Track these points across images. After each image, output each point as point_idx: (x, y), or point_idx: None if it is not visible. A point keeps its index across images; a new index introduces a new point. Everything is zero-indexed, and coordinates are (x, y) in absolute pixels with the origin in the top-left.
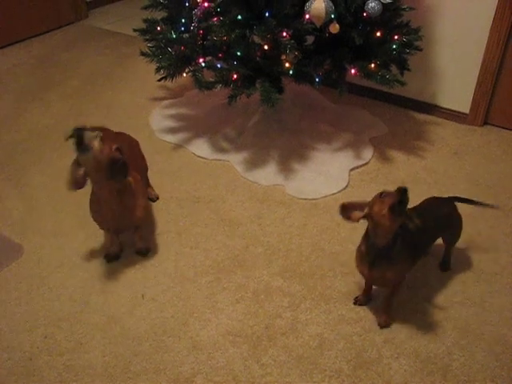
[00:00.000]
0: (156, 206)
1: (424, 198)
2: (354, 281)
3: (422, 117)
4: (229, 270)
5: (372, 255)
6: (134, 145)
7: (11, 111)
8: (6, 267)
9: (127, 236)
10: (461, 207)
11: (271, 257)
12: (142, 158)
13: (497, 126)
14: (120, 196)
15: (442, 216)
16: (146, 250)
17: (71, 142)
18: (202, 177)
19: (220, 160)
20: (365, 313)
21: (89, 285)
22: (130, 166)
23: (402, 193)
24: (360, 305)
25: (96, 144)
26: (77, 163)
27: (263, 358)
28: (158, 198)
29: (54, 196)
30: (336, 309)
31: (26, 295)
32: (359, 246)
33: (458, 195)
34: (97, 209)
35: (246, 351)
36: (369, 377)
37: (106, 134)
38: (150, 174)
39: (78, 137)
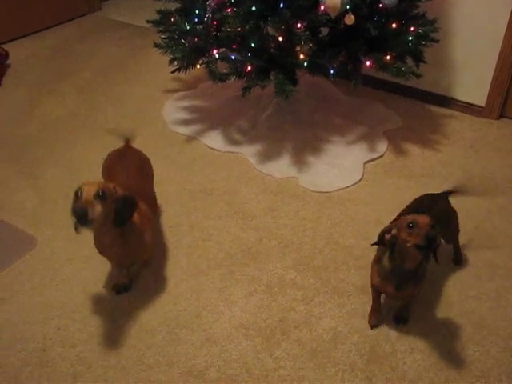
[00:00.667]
0: (168, 199)
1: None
2: (368, 274)
3: (437, 110)
4: (242, 262)
5: (398, 277)
6: (144, 165)
7: (25, 103)
8: (19, 259)
9: None
10: (476, 202)
11: (285, 249)
12: (151, 177)
13: None
14: (124, 238)
15: (438, 214)
16: (124, 288)
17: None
18: (215, 169)
19: (233, 152)
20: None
21: (101, 277)
22: (137, 193)
23: (431, 239)
24: (375, 326)
25: (98, 210)
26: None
27: (276, 351)
28: None
29: (67, 188)
30: (350, 302)
31: (39, 287)
32: (380, 261)
33: (449, 189)
34: (100, 248)
35: (259, 344)
36: (382, 371)
37: (109, 158)
38: (163, 165)
39: (82, 218)
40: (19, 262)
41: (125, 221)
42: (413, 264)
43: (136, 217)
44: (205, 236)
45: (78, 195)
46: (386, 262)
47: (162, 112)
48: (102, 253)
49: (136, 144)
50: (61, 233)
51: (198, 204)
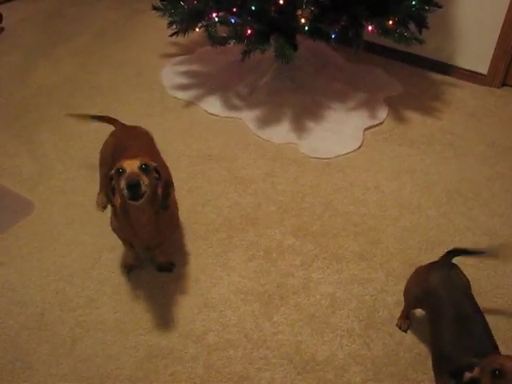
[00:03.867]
0: (168, 164)
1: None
2: (367, 240)
3: (438, 77)
4: (241, 228)
5: None
6: (150, 142)
7: (20, 67)
8: (17, 223)
9: None
10: (477, 170)
11: (283, 215)
12: (160, 157)
13: None
14: (158, 217)
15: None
16: (170, 265)
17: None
18: (213, 134)
19: (232, 117)
20: (377, 274)
21: (100, 241)
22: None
23: None
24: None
25: (146, 182)
26: (111, 192)
27: (275, 316)
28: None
29: (64, 153)
30: (348, 269)
31: (37, 251)
32: None
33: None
34: (125, 229)
35: (257, 309)
36: (380, 337)
37: (117, 136)
38: (161, 131)
39: (135, 191)
40: (16, 227)
41: (167, 202)
42: None
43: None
44: (203, 201)
45: (120, 171)
46: None
47: (160, 77)
48: (128, 234)
49: (134, 109)
50: (58, 197)
51: (196, 169)
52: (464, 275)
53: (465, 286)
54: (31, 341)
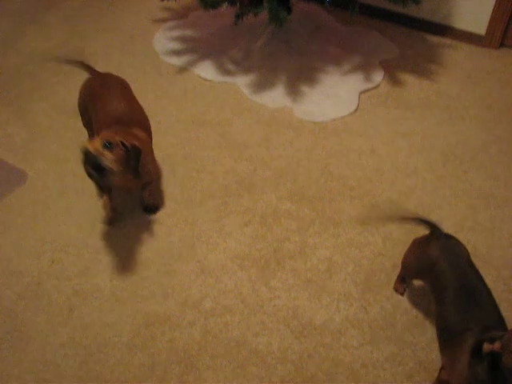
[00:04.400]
0: (161, 130)
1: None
2: (363, 204)
3: (434, 39)
4: (236, 193)
5: None
6: (126, 89)
7: (9, 34)
8: (11, 193)
9: None
10: (473, 132)
11: (279, 180)
12: (136, 103)
13: None
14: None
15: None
16: (156, 208)
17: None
18: (207, 100)
19: (226, 82)
20: (374, 238)
21: (94, 210)
22: (128, 120)
23: None
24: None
25: (108, 158)
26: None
27: (271, 281)
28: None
29: (57, 122)
30: (345, 232)
31: (31, 221)
32: (474, 369)
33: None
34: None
35: (254, 275)
36: (377, 300)
37: (91, 86)
38: (154, 97)
39: (96, 167)
40: (10, 197)
41: (138, 171)
42: None
43: (137, 143)
44: (198, 167)
45: (84, 153)
46: (480, 370)
47: (152, 42)
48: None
49: (127, 75)
50: (52, 167)
51: (191, 135)
52: (462, 244)
53: (465, 256)
54: (28, 310)
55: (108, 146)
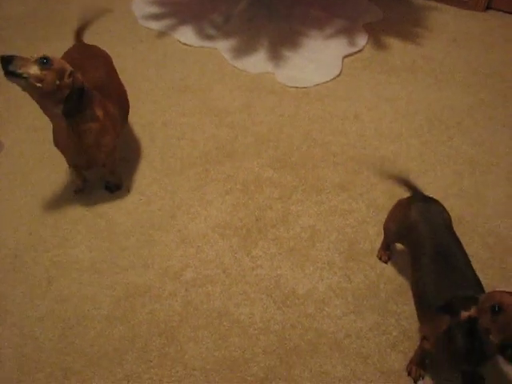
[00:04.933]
0: (140, 96)
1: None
2: (347, 171)
3: (420, 2)
4: (217, 160)
5: (477, 358)
6: (108, 63)
7: None
8: None
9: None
10: (459, 97)
11: (261, 147)
12: (116, 78)
13: (501, 11)
14: (78, 132)
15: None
16: (116, 187)
17: None
18: (188, 65)
19: (207, 47)
20: (357, 205)
21: (72, 180)
22: (103, 91)
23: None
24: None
25: (32, 70)
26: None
27: (253, 250)
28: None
29: None
30: (328, 200)
31: (8, 192)
32: (451, 338)
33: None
34: (55, 142)
35: (235, 244)
36: (361, 269)
37: (73, 52)
38: (133, 62)
39: (3, 64)
40: None
41: (71, 112)
42: (494, 351)
43: (100, 115)
44: (178, 134)
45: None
46: (460, 341)
47: (131, 6)
48: (57, 146)
49: (105, 40)
50: (28, 136)
51: (171, 101)
52: (445, 209)
53: (446, 221)
54: (6, 283)
55: (44, 62)
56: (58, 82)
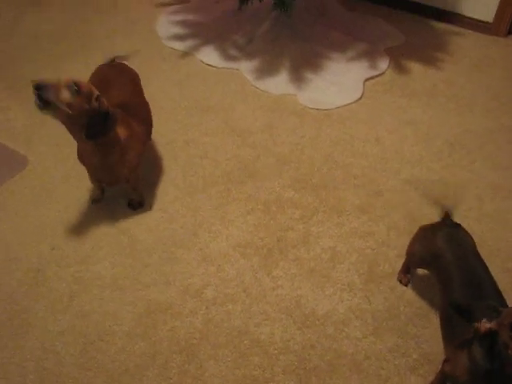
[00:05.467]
0: (163, 115)
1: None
2: (367, 193)
3: (441, 26)
4: (239, 180)
5: (496, 381)
6: (135, 81)
7: (9, 15)
8: (11, 179)
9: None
10: (480, 122)
11: (282, 167)
12: (142, 97)
13: None
14: (103, 151)
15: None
16: (139, 204)
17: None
18: (210, 85)
19: (229, 68)
20: (378, 227)
21: (92, 189)
22: (128, 110)
23: None
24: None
25: (64, 97)
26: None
27: (274, 270)
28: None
29: None
30: (349, 222)
31: (32, 207)
32: (471, 353)
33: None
34: (80, 157)
35: (256, 263)
36: (381, 291)
37: (101, 72)
38: (157, 81)
39: (37, 92)
40: (11, 182)
41: (94, 135)
42: None
43: (124, 134)
44: (201, 153)
45: (37, 84)
46: (479, 357)
47: (155, 26)
48: (82, 161)
49: (129, 59)
50: (52, 152)
51: (193, 121)
52: (469, 234)
53: (471, 246)
54: (28, 297)
55: (74, 88)
56: (86, 107)
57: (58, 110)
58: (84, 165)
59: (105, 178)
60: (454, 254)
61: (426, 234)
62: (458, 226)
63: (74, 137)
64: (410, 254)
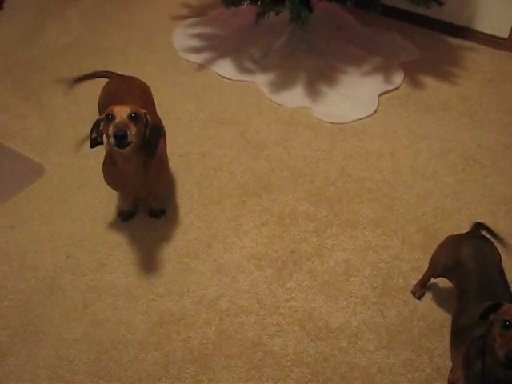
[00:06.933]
0: (179, 128)
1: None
2: (382, 207)
3: (456, 42)
4: (254, 192)
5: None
6: (146, 93)
7: (27, 27)
8: (28, 187)
9: None
10: (494, 137)
11: (297, 180)
12: (153, 107)
13: None
14: (146, 167)
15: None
16: (161, 212)
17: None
18: (226, 98)
19: (245, 81)
20: (392, 241)
21: (111, 205)
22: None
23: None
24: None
25: (134, 132)
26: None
27: (288, 282)
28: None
29: (74, 117)
30: (363, 235)
31: (47, 215)
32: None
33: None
34: (113, 177)
35: (270, 275)
36: (394, 304)
37: (112, 85)
38: (173, 94)
39: (120, 140)
40: (27, 191)
41: (155, 150)
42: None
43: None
44: (216, 165)
45: (109, 117)
46: (476, 363)
47: (171, 39)
48: (115, 183)
49: (146, 71)
50: (69, 161)
51: (209, 133)
52: (496, 249)
53: (496, 260)
54: (43, 305)
55: (134, 116)
56: (143, 129)
57: (132, 146)
58: (120, 187)
59: (143, 192)
60: (476, 263)
61: (452, 242)
62: (486, 238)
63: (124, 162)
64: (434, 261)
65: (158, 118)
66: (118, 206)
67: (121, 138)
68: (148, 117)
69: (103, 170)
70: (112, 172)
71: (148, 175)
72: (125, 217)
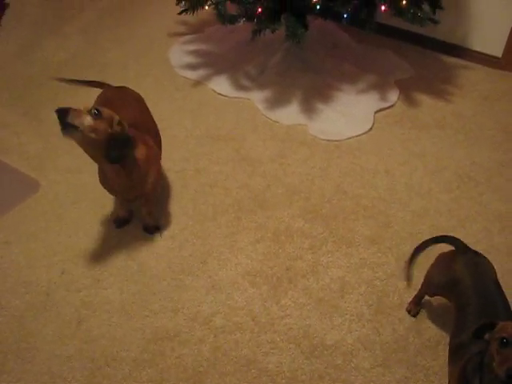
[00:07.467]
0: (175, 144)
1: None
2: (377, 224)
3: (451, 60)
4: (249, 209)
5: None
6: (140, 101)
7: (26, 43)
8: (23, 202)
9: None
10: (488, 155)
11: (292, 197)
12: (149, 114)
13: None
14: (127, 170)
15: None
16: (155, 228)
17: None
18: (222, 114)
19: (241, 98)
20: (387, 258)
21: (106, 221)
22: (140, 128)
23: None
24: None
25: (86, 121)
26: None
27: (283, 299)
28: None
29: None
30: (358, 252)
31: (42, 231)
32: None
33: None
34: (103, 179)
35: (265, 292)
36: (390, 322)
37: (106, 95)
38: (169, 110)
39: (60, 117)
40: (23, 206)
41: (117, 158)
42: None
43: (143, 150)
44: (211, 182)
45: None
46: (470, 370)
47: (168, 55)
48: (105, 184)
49: (142, 87)
50: (64, 177)
51: (204, 149)
52: (490, 263)
53: (492, 275)
54: (36, 321)
55: (96, 113)
56: (109, 131)
57: (83, 136)
58: (108, 188)
59: (129, 196)
60: (473, 279)
61: (444, 259)
62: (478, 253)
63: (97, 161)
64: (427, 280)
65: (155, 124)
66: (113, 212)
67: (61, 113)
68: (124, 124)
69: (98, 173)
70: (101, 174)
71: (131, 178)
72: (119, 223)
